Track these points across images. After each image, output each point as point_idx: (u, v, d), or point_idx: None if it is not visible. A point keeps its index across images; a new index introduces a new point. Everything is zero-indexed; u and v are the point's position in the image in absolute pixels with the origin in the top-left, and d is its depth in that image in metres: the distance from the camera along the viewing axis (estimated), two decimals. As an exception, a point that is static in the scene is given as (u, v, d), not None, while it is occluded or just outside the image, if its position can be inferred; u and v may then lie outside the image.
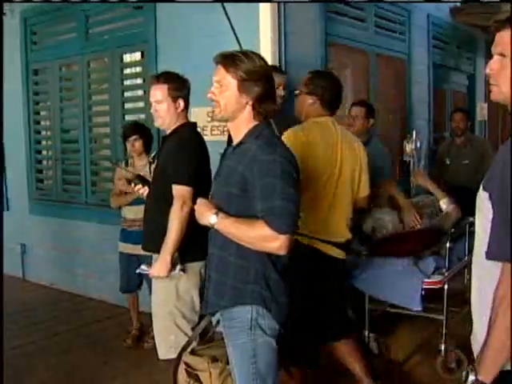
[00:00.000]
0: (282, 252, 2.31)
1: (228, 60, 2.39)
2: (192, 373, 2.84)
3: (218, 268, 2.50)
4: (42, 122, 6.90)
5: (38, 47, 6.69)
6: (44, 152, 6.93)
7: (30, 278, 6.75)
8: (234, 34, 4.18)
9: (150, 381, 3.99)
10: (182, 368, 2.85)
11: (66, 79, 6.60)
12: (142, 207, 4.35)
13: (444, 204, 4.22)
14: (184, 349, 2.88)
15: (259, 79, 2.37)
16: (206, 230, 2.52)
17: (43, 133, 6.91)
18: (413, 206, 4.22)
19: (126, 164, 4.94)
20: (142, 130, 4.83)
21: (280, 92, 3.83)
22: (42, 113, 6.90)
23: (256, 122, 2.42)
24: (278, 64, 4.41)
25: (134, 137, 4.73)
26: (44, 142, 6.90)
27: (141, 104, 5.71)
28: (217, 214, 2.38)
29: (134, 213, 4.69)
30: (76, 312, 4.33)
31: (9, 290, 6.37)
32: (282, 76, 4.05)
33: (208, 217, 2.40)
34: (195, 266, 3.26)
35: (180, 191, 3.14)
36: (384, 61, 6.36)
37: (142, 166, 4.72)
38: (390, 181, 4.50)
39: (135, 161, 4.86)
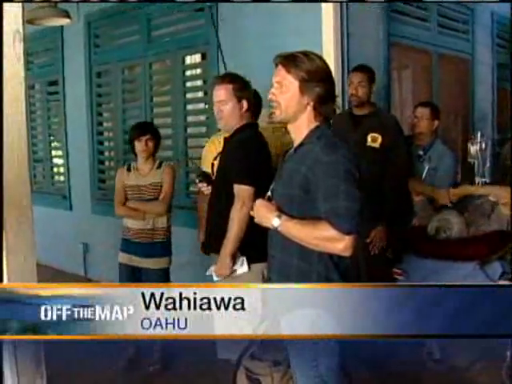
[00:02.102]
0: (347, 253, 2.28)
1: (289, 60, 2.38)
2: (253, 377, 2.83)
3: (280, 271, 2.50)
4: (105, 124, 7.02)
5: (101, 50, 6.79)
6: (106, 153, 7.04)
7: (92, 277, 6.86)
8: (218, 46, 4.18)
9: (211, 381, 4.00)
10: (241, 373, 2.84)
11: (129, 81, 6.70)
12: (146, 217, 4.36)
13: (494, 198, 4.04)
14: (243, 353, 2.87)
15: (320, 80, 2.35)
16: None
17: (105, 134, 7.03)
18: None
19: (129, 168, 4.53)
20: (154, 129, 4.52)
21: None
22: (105, 114, 7.01)
23: (317, 123, 2.41)
24: (340, 65, 4.40)
25: (148, 136, 4.35)
26: (106, 143, 7.01)
27: (202, 105, 5.75)
28: (279, 216, 2.36)
29: (140, 223, 4.39)
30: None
31: (71, 288, 6.52)
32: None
33: (270, 219, 2.39)
34: (258, 267, 3.25)
35: (240, 191, 3.14)
36: (447, 61, 6.25)
37: (148, 170, 4.43)
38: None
39: (140, 164, 4.46)
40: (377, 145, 4.11)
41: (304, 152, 2.39)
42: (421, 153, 4.38)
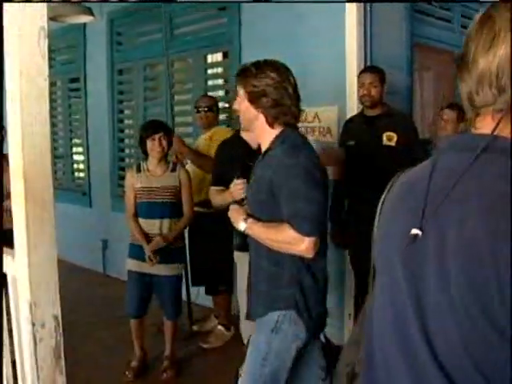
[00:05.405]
0: (309, 255, 2.36)
1: (240, 73, 2.56)
2: None
3: (255, 274, 2.57)
4: (126, 121, 7.06)
5: (123, 48, 6.85)
6: (127, 150, 7.07)
7: (111, 273, 6.88)
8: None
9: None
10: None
11: (150, 79, 6.73)
12: (157, 221, 4.19)
13: None
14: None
15: (267, 90, 2.45)
16: None
17: (126, 131, 7.06)
18: None
19: (138, 168, 4.30)
20: (168, 128, 4.35)
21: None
22: (126, 112, 7.06)
23: (281, 128, 2.50)
24: (363, 65, 4.38)
25: (161, 134, 4.15)
26: (127, 141, 7.05)
27: (222, 104, 5.75)
28: (245, 219, 2.48)
29: (149, 226, 4.23)
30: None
31: (90, 284, 6.57)
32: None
33: (238, 223, 2.51)
34: None
35: None
36: None
37: (162, 172, 4.22)
38: None
39: (153, 166, 4.24)
40: (393, 143, 4.10)
41: (270, 157, 2.49)
42: None
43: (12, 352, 2.75)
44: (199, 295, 5.29)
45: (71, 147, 7.91)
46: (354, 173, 4.13)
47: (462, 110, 3.81)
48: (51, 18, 5.03)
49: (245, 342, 3.00)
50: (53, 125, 7.79)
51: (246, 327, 3.33)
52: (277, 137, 2.49)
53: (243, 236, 2.84)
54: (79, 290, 6.04)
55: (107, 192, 6.97)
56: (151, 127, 4.24)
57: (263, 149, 2.56)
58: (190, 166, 4.72)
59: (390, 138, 4.11)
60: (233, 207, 2.64)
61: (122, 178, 6.96)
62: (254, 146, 3.38)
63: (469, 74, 1.00)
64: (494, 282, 0.83)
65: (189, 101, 6.07)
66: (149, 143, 4.17)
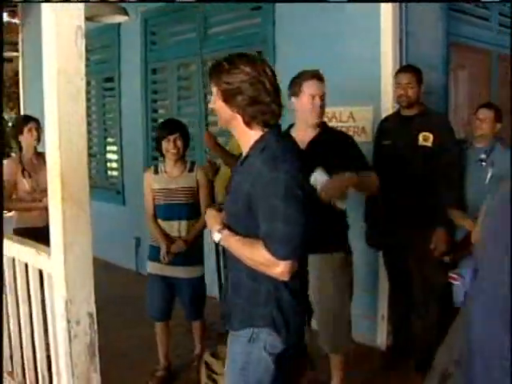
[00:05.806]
0: (284, 278, 2.21)
1: (213, 70, 2.32)
2: (211, 375, 2.85)
3: (232, 286, 2.44)
4: (159, 120, 7.07)
5: (157, 47, 6.89)
6: (160, 149, 7.11)
7: (144, 271, 6.90)
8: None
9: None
10: (203, 368, 2.87)
11: (184, 78, 6.76)
12: (175, 222, 4.11)
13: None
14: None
15: (241, 87, 2.24)
16: None
17: (160, 130, 7.10)
18: None
19: (156, 170, 4.25)
20: (184, 128, 4.20)
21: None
22: (160, 111, 7.10)
23: (260, 130, 2.31)
24: (398, 64, 4.35)
25: (177, 134, 4.06)
26: (160, 140, 7.07)
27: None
28: (220, 230, 2.33)
29: (167, 227, 4.14)
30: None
31: (122, 282, 6.62)
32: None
33: (213, 233, 2.36)
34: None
35: None
36: (506, 61, 6.10)
37: (179, 172, 4.15)
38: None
39: (169, 167, 4.17)
40: (429, 143, 4.05)
41: (249, 165, 2.28)
42: (483, 156, 4.24)
43: (47, 348, 2.79)
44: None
45: (105, 146, 7.99)
46: (388, 173, 4.08)
47: (499, 109, 3.72)
48: (87, 18, 5.05)
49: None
50: (87, 124, 7.85)
51: None
52: (256, 142, 2.29)
53: None
54: (112, 288, 6.07)
55: (140, 190, 6.97)
56: (167, 128, 4.15)
57: (244, 152, 2.36)
58: (223, 167, 4.70)
59: (426, 139, 4.05)
60: (210, 212, 2.46)
61: (156, 176, 7.03)
62: (302, 145, 3.09)
63: None
64: None
65: (222, 100, 6.07)
66: (164, 144, 4.09)
